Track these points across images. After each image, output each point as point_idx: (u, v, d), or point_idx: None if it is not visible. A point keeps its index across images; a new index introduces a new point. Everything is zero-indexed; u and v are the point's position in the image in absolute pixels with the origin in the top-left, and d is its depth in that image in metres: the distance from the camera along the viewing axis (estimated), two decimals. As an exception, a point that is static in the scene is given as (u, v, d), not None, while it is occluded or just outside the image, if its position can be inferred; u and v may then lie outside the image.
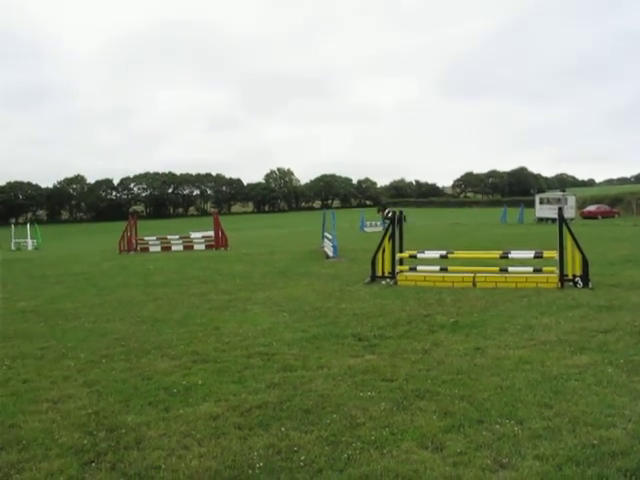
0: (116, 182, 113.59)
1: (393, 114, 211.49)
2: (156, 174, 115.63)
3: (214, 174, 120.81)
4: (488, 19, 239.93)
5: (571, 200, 40.47)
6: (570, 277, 9.43)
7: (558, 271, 9.44)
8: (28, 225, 35.87)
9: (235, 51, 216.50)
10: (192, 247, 22.16)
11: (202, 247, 21.99)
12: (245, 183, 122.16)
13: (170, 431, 3.84)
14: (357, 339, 6.25)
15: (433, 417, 3.90)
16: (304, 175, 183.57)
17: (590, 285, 9.19)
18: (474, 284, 9.79)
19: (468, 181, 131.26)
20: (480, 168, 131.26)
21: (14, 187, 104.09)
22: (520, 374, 4.75)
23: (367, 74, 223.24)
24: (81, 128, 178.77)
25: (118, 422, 4.03)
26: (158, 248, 22.24)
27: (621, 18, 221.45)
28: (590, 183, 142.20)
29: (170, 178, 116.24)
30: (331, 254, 15.55)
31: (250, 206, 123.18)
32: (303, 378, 4.87)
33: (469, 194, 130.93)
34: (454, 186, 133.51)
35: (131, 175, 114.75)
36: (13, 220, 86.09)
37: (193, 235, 23.76)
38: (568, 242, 9.48)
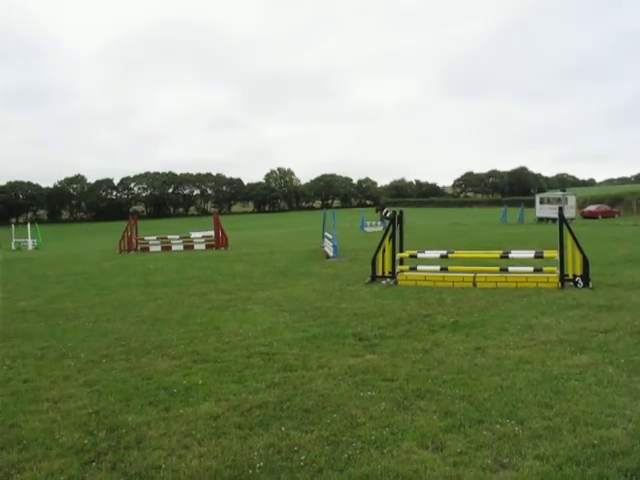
0: (116, 182, 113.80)
1: (393, 114, 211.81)
2: (156, 174, 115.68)
3: (214, 174, 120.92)
4: (488, 19, 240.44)
5: (571, 200, 40.45)
6: (570, 277, 9.42)
7: (558, 271, 9.44)
8: (28, 225, 35.89)
9: (235, 51, 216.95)
10: (192, 247, 22.16)
11: (202, 247, 21.99)
12: (245, 183, 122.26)
13: (170, 431, 3.84)
14: (357, 339, 6.25)
15: (433, 417, 3.90)
16: (304, 175, 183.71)
17: (590, 285, 9.19)
18: (474, 284, 9.79)
19: (468, 181, 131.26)
20: (480, 168, 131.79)
21: (14, 187, 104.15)
22: (520, 374, 4.75)
23: (367, 74, 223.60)
24: (81, 128, 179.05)
25: (118, 422, 4.03)
26: (158, 248, 22.24)
27: (621, 18, 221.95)
28: (590, 183, 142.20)
29: (170, 178, 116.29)
30: (331, 254, 15.55)
31: (250, 206, 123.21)
32: (303, 378, 4.87)
33: (469, 194, 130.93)
34: (454, 186, 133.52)
35: (131, 175, 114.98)
36: (13, 220, 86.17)
37: (193, 235, 23.76)
38: (568, 242, 9.48)
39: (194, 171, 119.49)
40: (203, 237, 22.87)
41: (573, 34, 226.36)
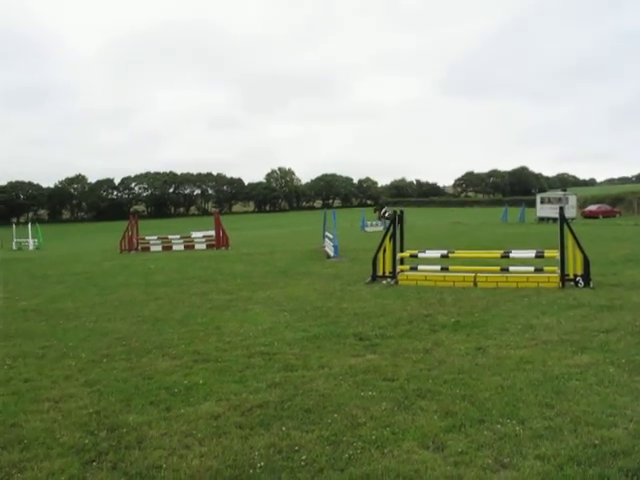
0: (117, 182, 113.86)
1: (394, 114, 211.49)
2: (157, 174, 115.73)
3: (215, 174, 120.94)
4: (488, 19, 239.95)
5: (572, 200, 40.43)
6: (571, 277, 9.41)
7: (559, 271, 9.43)
8: (29, 225, 35.93)
9: (236, 51, 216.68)
10: (193, 247, 22.16)
11: (203, 247, 21.99)
12: (246, 183, 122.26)
13: (171, 430, 3.85)
14: (358, 339, 6.25)
15: (434, 417, 3.90)
16: (305, 175, 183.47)
17: (591, 285, 9.18)
18: (475, 284, 9.78)
19: (469, 180, 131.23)
20: (481, 167, 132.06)
21: (15, 187, 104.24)
22: (521, 374, 4.74)
23: (368, 74, 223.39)
24: (82, 128, 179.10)
25: (119, 421, 4.03)
26: (159, 248, 22.25)
27: (621, 18, 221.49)
28: (591, 182, 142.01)
29: (171, 178, 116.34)
30: (332, 254, 15.54)
31: (251, 206, 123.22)
32: (304, 378, 4.87)
33: (470, 194, 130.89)
34: (455, 185, 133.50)
35: (132, 175, 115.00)
36: (14, 220, 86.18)
37: (194, 235, 23.76)
38: (569, 242, 9.47)
39: (195, 171, 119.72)
40: (204, 237, 22.87)
41: (573, 34, 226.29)
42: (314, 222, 42.95)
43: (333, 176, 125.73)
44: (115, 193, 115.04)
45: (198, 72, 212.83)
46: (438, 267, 10.47)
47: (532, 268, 9.88)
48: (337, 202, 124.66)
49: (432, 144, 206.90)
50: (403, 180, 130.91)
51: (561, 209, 10.03)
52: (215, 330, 6.94)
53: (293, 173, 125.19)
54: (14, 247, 33.08)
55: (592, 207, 45.01)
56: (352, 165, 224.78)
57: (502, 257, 10.33)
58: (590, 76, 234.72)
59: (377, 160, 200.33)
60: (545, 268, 9.75)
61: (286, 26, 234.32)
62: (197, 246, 22.15)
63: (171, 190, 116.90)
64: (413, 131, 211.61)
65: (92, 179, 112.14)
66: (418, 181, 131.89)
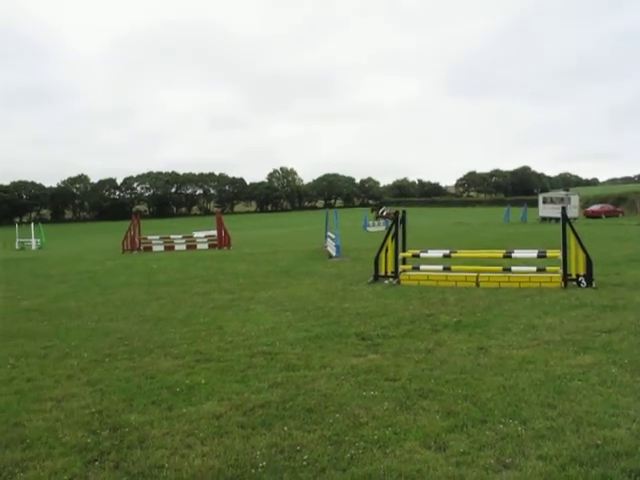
0: (119, 182, 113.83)
1: (395, 114, 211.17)
2: (159, 174, 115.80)
3: (217, 174, 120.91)
4: (488, 19, 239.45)
5: (574, 199, 40.36)
6: (574, 277, 9.40)
7: (562, 271, 9.42)
8: (32, 224, 35.95)
9: (236, 51, 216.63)
10: (195, 246, 22.19)
11: (205, 246, 22.02)
12: (248, 182, 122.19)
13: (173, 430, 3.85)
14: (360, 338, 6.25)
15: (436, 417, 3.89)
16: (307, 174, 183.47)
17: (594, 285, 9.16)
18: (477, 284, 9.77)
19: (471, 180, 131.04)
20: (483, 167, 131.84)
21: (18, 187, 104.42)
22: (523, 374, 4.74)
23: (369, 74, 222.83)
24: (84, 128, 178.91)
25: (121, 421, 4.04)
26: (161, 247, 22.28)
27: (621, 18, 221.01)
28: (594, 182, 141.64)
29: (173, 178, 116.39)
30: (334, 253, 15.54)
31: (253, 205, 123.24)
32: (306, 377, 4.88)
33: (472, 193, 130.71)
34: (457, 185, 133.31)
35: (134, 175, 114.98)
36: (17, 220, 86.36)
37: (196, 234, 23.79)
38: (571, 241, 9.46)
39: (197, 171, 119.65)
40: (206, 237, 22.89)
41: (573, 34, 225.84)
42: (316, 222, 42.96)
43: (335, 176, 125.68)
44: (117, 193, 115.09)
45: (198, 72, 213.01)
46: (440, 267, 10.46)
47: (534, 268, 9.87)
48: (339, 202, 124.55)
49: (433, 144, 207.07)
50: (405, 180, 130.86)
51: (563, 209, 10.01)
52: (217, 330, 6.95)
53: (295, 173, 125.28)
54: (17, 247, 33.13)
55: (595, 207, 44.91)
56: (354, 165, 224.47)
57: (504, 257, 10.32)
58: (590, 76, 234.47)
59: (379, 160, 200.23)
60: (547, 268, 9.73)
61: (286, 26, 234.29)
62: (199, 246, 22.17)
63: (173, 190, 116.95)
64: (414, 131, 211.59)
65: (94, 179, 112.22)
66: (420, 181, 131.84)
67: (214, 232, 22.55)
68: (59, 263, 17.66)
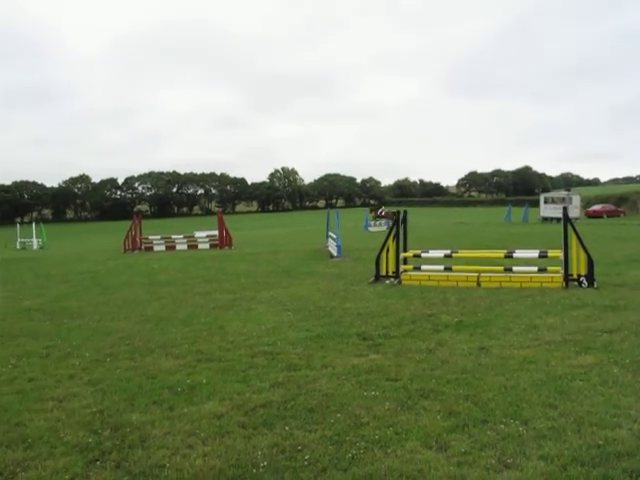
0: (120, 181, 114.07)
1: (394, 113, 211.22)
2: (160, 173, 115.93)
3: (218, 173, 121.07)
4: (488, 19, 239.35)
5: (576, 199, 40.36)
6: (575, 277, 9.39)
7: (563, 271, 9.41)
8: (33, 224, 36.00)
9: (237, 51, 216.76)
10: (196, 246, 22.20)
11: (206, 246, 22.03)
12: (249, 182, 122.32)
13: (174, 430, 3.85)
14: (361, 338, 6.24)
15: (437, 417, 3.89)
16: (308, 174, 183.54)
17: (595, 285, 9.15)
18: (478, 284, 9.77)
19: (472, 180, 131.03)
20: (484, 167, 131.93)
21: (20, 186, 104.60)
22: (525, 374, 4.73)
23: (368, 74, 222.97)
24: (84, 128, 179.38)
25: (123, 421, 4.04)
26: (162, 247, 22.31)
27: (621, 18, 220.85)
28: (595, 182, 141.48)
29: (174, 177, 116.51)
30: (335, 253, 15.55)
31: (254, 205, 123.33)
32: (307, 377, 4.88)
33: (473, 193, 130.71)
34: (458, 185, 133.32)
35: (135, 174, 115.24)
36: (19, 219, 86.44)
37: (197, 234, 23.79)
38: (573, 241, 9.45)
39: (198, 171, 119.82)
40: (207, 236, 22.90)
41: (573, 34, 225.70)
42: (317, 222, 42.95)
43: (336, 176, 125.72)
44: (119, 193, 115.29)
45: (198, 72, 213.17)
46: (441, 267, 10.45)
47: (536, 268, 9.86)
48: (340, 202, 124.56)
49: (433, 144, 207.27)
50: (406, 180, 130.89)
51: (565, 209, 10.01)
52: (218, 330, 6.95)
53: (296, 173, 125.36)
54: (18, 247, 33.17)
55: (596, 207, 44.90)
56: (354, 165, 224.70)
57: (505, 257, 10.31)
58: (590, 76, 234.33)
59: (379, 160, 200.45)
60: (549, 268, 9.72)
61: (286, 26, 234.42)
62: (200, 246, 22.19)
63: (174, 190, 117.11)
64: (414, 131, 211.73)
65: (96, 179, 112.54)
66: (421, 181, 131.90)
67: (215, 232, 22.56)
68: (60, 263, 17.68)
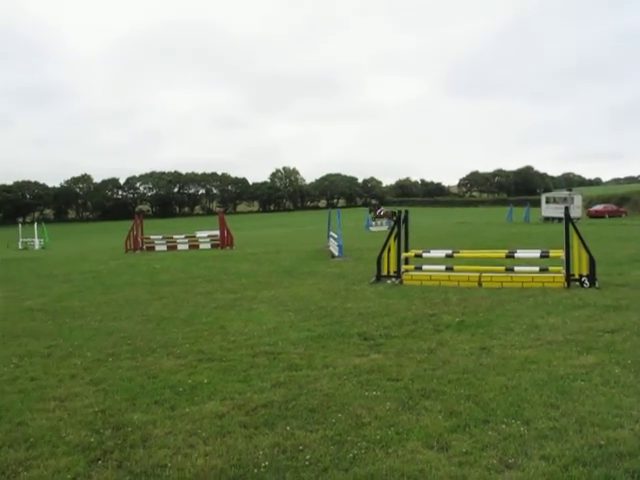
0: (122, 181, 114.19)
1: (395, 113, 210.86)
2: (162, 173, 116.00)
3: (219, 173, 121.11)
4: (488, 19, 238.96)
5: (577, 199, 40.29)
6: (577, 277, 9.38)
7: (564, 271, 9.39)
8: (35, 224, 36.10)
9: (237, 51, 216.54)
10: (198, 246, 22.21)
11: (208, 246, 22.04)
12: (250, 182, 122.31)
13: (176, 429, 3.86)
14: (363, 338, 6.24)
15: (439, 417, 3.89)
16: (309, 174, 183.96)
17: (597, 285, 9.14)
18: (480, 283, 9.76)
19: (474, 180, 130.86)
20: (486, 167, 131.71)
21: (22, 187, 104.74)
22: (526, 374, 4.73)
23: (368, 74, 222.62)
24: (85, 128, 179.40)
25: (124, 420, 4.05)
26: (164, 247, 22.32)
27: (621, 18, 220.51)
28: (597, 182, 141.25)
29: (176, 177, 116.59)
30: (336, 253, 15.55)
31: (255, 205, 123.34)
32: (308, 377, 4.88)
33: (475, 193, 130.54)
34: (460, 185, 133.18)
35: (137, 174, 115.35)
36: (20, 219, 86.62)
37: (199, 234, 23.80)
38: (575, 241, 9.44)
39: (199, 170, 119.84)
40: (208, 236, 22.91)
41: (573, 34, 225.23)
42: (318, 222, 42.93)
43: (337, 176, 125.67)
44: (120, 193, 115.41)
45: (198, 72, 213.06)
46: (443, 267, 10.45)
47: (537, 268, 9.85)
48: (341, 202, 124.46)
49: (433, 144, 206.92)
50: (408, 180, 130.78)
51: (566, 209, 10.00)
52: (220, 329, 6.96)
53: (297, 173, 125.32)
54: (20, 247, 33.23)
55: (598, 207, 44.83)
56: (355, 165, 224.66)
57: (507, 257, 10.30)
58: (590, 76, 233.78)
59: (380, 160, 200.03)
60: (550, 268, 9.71)
61: (286, 26, 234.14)
62: (202, 246, 22.20)
63: (176, 190, 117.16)
64: (414, 131, 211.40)
65: (97, 179, 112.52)
66: (423, 181, 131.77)
67: (217, 232, 22.57)
68: (62, 263, 17.71)
